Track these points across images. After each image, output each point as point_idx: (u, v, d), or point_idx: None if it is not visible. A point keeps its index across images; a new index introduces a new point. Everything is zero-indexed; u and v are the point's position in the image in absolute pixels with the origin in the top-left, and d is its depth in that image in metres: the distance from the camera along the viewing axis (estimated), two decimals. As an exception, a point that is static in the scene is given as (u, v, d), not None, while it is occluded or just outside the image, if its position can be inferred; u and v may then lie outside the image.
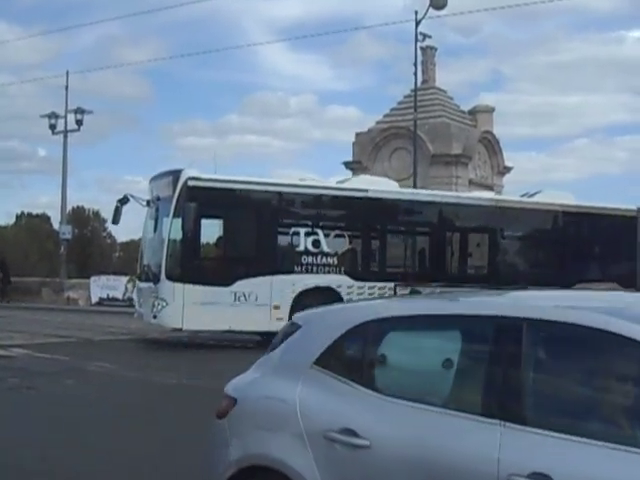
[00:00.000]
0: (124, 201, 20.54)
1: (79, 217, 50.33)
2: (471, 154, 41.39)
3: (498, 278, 21.69)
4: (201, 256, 19.67)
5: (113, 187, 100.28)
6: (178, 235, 18.68)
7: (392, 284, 20.31)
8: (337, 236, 20.31)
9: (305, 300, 19.38)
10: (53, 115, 42.38)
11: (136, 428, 9.74)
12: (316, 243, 19.83)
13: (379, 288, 20.14)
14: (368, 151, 42.35)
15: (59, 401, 11.63)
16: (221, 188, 19.22)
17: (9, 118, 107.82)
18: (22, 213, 60.16)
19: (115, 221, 20.84)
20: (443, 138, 40.55)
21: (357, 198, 20.57)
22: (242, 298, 18.87)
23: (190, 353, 18.91)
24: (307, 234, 19.82)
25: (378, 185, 21.62)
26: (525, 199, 23.81)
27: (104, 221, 57.72)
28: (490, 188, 41.22)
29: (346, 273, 20.10)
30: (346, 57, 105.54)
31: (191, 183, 18.63)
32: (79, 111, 41.77)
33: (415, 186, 32.53)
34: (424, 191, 22.51)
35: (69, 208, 47.95)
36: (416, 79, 35.70)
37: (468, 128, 42.24)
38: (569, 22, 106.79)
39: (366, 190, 20.63)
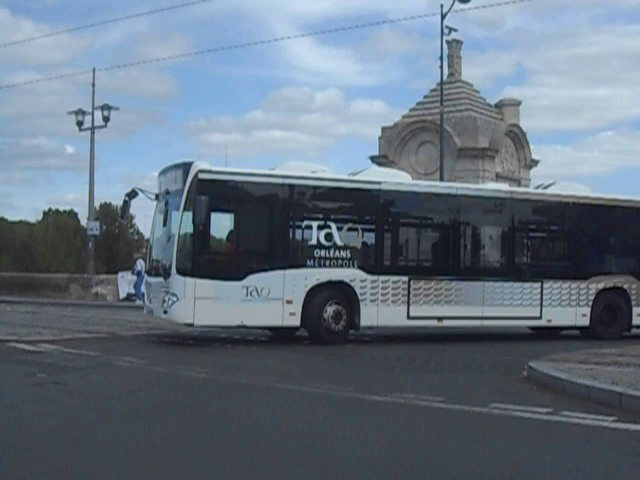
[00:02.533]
0: (132, 195, 20.35)
1: (106, 213, 50.51)
2: (498, 147, 41.30)
3: (513, 271, 21.45)
4: (212, 250, 19.32)
5: (140, 183, 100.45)
6: (189, 229, 18.40)
7: (406, 277, 20.02)
8: (350, 229, 20.00)
9: (318, 294, 19.21)
10: (80, 112, 42.99)
11: (165, 422, 9.68)
12: (329, 236, 19.53)
13: (393, 282, 19.87)
14: (394, 145, 42.48)
15: (87, 396, 11.55)
16: (232, 181, 18.97)
17: (36, 115, 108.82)
18: (49, 210, 60.44)
19: (123, 215, 20.69)
20: (470, 131, 40.60)
21: (370, 190, 20.29)
22: (254, 293, 18.59)
23: (216, 348, 18.68)
24: (320, 227, 19.52)
25: (391, 177, 21.24)
26: (540, 191, 23.38)
27: (132, 217, 58.09)
28: (517, 181, 41.32)
29: (359, 267, 19.78)
30: (371, 52, 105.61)
31: (202, 176, 18.37)
32: (106, 108, 42.24)
33: (442, 180, 32.24)
34: (438, 183, 22.13)
35: (96, 204, 48.21)
36: (442, 73, 35.55)
37: (495, 121, 42.19)
38: (595, 15, 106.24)
39: (379, 182, 20.32)
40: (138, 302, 37.60)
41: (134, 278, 37.77)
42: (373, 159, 43.05)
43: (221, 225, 19.40)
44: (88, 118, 43.00)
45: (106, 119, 42.37)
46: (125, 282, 39.85)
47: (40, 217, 58.99)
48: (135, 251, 47.86)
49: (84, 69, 69.75)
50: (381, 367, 15.83)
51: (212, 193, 18.26)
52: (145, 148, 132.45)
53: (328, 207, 20.00)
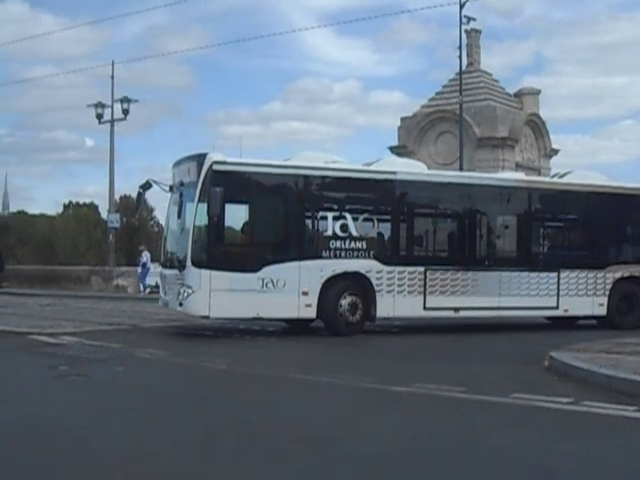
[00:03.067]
0: (146, 187, 20.31)
1: (127, 206, 50.55)
2: (517, 137, 41.23)
3: (529, 261, 21.30)
4: (227, 242, 19.24)
5: (160, 175, 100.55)
6: (204, 221, 18.30)
7: (422, 268, 19.90)
8: (365, 220, 19.87)
9: (334, 286, 19.11)
10: (100, 105, 43.17)
11: (187, 413, 9.74)
12: (344, 227, 19.43)
13: (409, 272, 19.76)
14: (414, 135, 42.50)
15: (109, 388, 11.70)
16: (247, 172, 18.90)
17: (56, 109, 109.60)
18: (70, 202, 60.64)
19: (138, 207, 20.64)
20: (489, 121, 40.49)
21: (385, 180, 20.13)
22: (270, 284, 18.51)
23: (236, 340, 18.72)
24: (335, 218, 19.42)
25: (406, 167, 21.08)
26: (556, 180, 23.21)
27: (152, 210, 58.05)
28: (537, 171, 41.12)
29: (375, 258, 19.67)
30: (390, 42, 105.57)
31: (216, 167, 18.29)
32: (125, 100, 42.42)
33: (461, 169, 32.05)
34: (453, 172, 21.94)
35: (117, 197, 48.28)
36: (461, 62, 35.57)
37: (514, 111, 42.03)
38: (613, 2, 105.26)
39: (394, 172, 20.17)
40: (140, 294, 37.86)
41: (154, 270, 37.84)
42: (392, 149, 42.94)
43: (236, 216, 19.30)
44: (107, 111, 43.12)
45: (125, 112, 42.50)
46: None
47: (61, 210, 59.33)
48: (149, 243, 47.74)
49: (103, 62, 69.99)
50: (401, 357, 15.80)
51: (227, 184, 18.17)
52: (164, 140, 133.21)
53: (343, 198, 19.88)
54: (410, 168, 21.11)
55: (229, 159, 18.68)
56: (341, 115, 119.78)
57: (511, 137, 40.89)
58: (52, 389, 11.31)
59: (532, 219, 22.11)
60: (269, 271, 18.54)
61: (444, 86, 43.45)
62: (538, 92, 44.89)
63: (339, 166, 20.13)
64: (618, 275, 22.16)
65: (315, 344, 18.26)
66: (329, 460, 7.51)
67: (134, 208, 20.24)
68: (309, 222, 19.63)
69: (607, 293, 22.01)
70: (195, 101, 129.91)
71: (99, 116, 43.11)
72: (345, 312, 19.23)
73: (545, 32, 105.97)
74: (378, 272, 19.56)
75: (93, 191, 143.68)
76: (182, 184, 19.25)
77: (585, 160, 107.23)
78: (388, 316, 19.94)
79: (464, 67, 37.52)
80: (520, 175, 23.61)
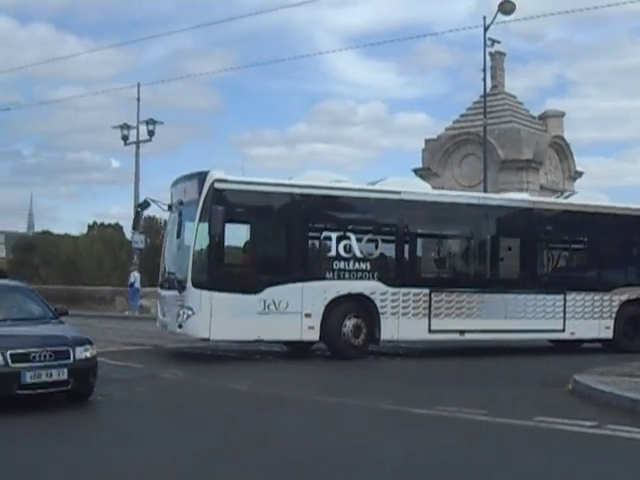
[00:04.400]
0: (145, 206, 20.02)
1: (151, 226, 50.41)
2: (542, 159, 40.86)
3: (535, 283, 20.83)
4: (229, 262, 18.92)
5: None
6: (205, 241, 17.95)
7: (427, 290, 19.46)
8: (370, 240, 19.50)
9: (337, 308, 18.71)
10: (125, 126, 43.07)
11: (211, 433, 10.07)
12: (348, 248, 19.08)
13: (414, 294, 19.34)
14: (438, 158, 42.25)
15: (133, 408, 12.19)
16: (249, 191, 18.56)
17: (81, 130, 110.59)
18: (94, 223, 60.60)
19: (135, 226, 20.30)
20: (513, 143, 40.13)
21: (390, 200, 19.73)
22: (272, 306, 18.14)
23: (256, 361, 18.78)
24: (339, 238, 19.07)
25: (410, 187, 20.62)
26: (563, 201, 22.71)
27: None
28: (561, 193, 40.16)
29: (379, 279, 19.28)
30: (414, 64, 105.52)
31: (218, 185, 17.97)
32: (150, 122, 42.27)
33: (485, 192, 31.61)
34: (459, 193, 21.48)
35: (142, 218, 48.00)
36: (485, 84, 35.23)
37: (538, 133, 41.65)
38: (635, 26, 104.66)
39: (399, 192, 19.77)
40: (127, 312, 37.63)
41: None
42: (416, 172, 42.58)
43: (238, 236, 19.02)
44: (133, 132, 43.04)
45: (151, 133, 42.39)
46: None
47: (85, 230, 59.34)
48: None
49: (129, 84, 70.37)
50: (416, 380, 15.75)
51: (229, 203, 17.92)
52: (189, 161, 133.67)
53: (347, 218, 19.58)
54: (414, 188, 20.64)
55: (231, 177, 18.38)
56: (366, 137, 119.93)
57: (535, 159, 40.44)
58: (76, 410, 11.85)
59: (538, 240, 21.71)
60: (271, 292, 18.17)
61: (468, 108, 43.13)
62: (562, 114, 44.44)
63: (343, 185, 19.74)
64: (625, 298, 21.68)
65: (326, 367, 18.20)
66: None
67: (132, 227, 19.72)
68: (312, 242, 19.37)
69: (613, 316, 21.51)
70: (220, 123, 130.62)
71: (124, 137, 43.07)
72: (349, 335, 18.83)
73: (568, 55, 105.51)
74: (382, 294, 19.15)
75: (118, 212, 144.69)
76: (181, 203, 18.95)
77: (609, 182, 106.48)
78: (392, 339, 19.50)
79: (488, 89, 37.25)
80: (525, 195, 23.10)
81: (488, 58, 36.20)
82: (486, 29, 33.24)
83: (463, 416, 11.06)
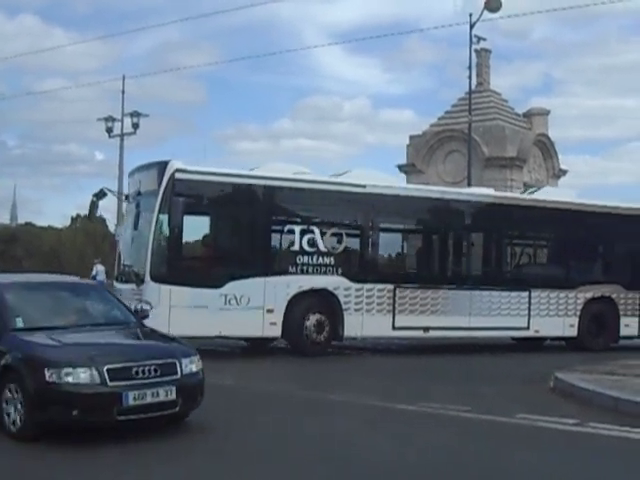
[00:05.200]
0: (100, 195, 19.53)
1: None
2: (526, 157, 40.94)
3: (501, 280, 20.42)
4: (189, 256, 18.42)
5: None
6: (164, 232, 17.30)
7: (392, 286, 19.02)
8: (334, 234, 19.01)
9: (300, 303, 18.24)
10: (110, 119, 42.60)
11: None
12: (312, 242, 18.60)
13: (378, 290, 18.94)
14: (422, 154, 42.23)
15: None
16: (211, 181, 17.91)
17: (66, 122, 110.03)
18: (77, 215, 59.89)
19: (90, 216, 19.74)
20: (498, 141, 40.20)
21: (354, 193, 19.22)
22: (233, 301, 17.59)
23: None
24: (302, 232, 18.59)
25: (375, 180, 20.03)
26: (527, 196, 22.36)
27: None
28: (526, 189, 40.08)
29: (343, 274, 18.82)
30: (400, 61, 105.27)
31: (179, 175, 17.32)
32: (135, 115, 41.83)
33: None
34: (425, 187, 20.96)
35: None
36: (470, 82, 35.20)
37: (523, 131, 41.77)
38: (624, 24, 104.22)
39: (364, 185, 19.26)
40: None
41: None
42: (401, 168, 42.77)
43: (199, 229, 18.45)
44: (118, 125, 42.56)
45: (135, 126, 41.79)
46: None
47: (68, 223, 58.83)
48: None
49: (114, 76, 69.97)
50: (397, 377, 15.58)
51: (189, 194, 17.34)
52: (174, 155, 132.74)
53: (311, 211, 19.10)
54: (379, 181, 20.07)
55: (192, 167, 17.75)
56: (351, 133, 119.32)
57: (519, 157, 40.42)
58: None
59: (503, 236, 21.48)
60: (233, 287, 17.61)
61: (453, 105, 42.98)
62: (547, 112, 44.38)
63: (306, 177, 19.24)
64: (589, 295, 21.51)
65: (296, 363, 17.78)
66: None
67: (87, 217, 19.16)
68: (275, 236, 18.76)
69: (578, 313, 21.33)
70: (205, 116, 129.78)
71: (109, 130, 42.51)
72: (311, 331, 18.37)
73: (555, 53, 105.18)
74: (346, 289, 18.71)
75: (102, 205, 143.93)
76: (139, 193, 18.26)
77: (595, 181, 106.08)
78: (356, 336, 19.07)
79: (474, 87, 37.24)
80: (489, 190, 22.62)
81: (474, 55, 36.18)
82: (472, 26, 33.03)
83: (447, 412, 11.14)
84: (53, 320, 10.29)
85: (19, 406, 9.03)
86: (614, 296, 21.78)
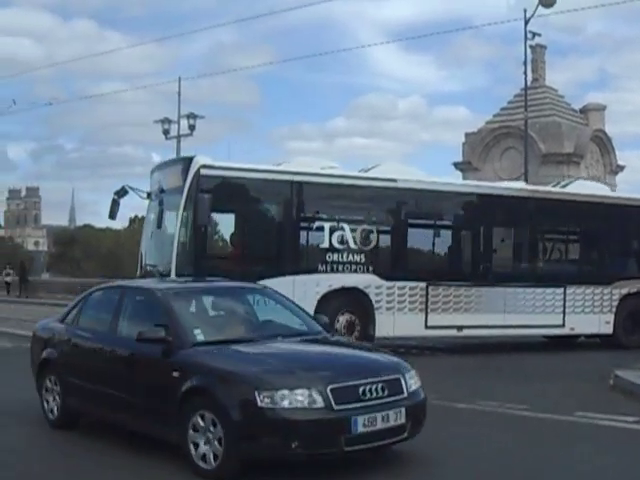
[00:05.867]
0: (122, 194, 18.88)
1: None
2: (583, 153, 40.20)
3: (534, 276, 19.57)
4: (215, 255, 17.72)
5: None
6: (189, 231, 16.73)
7: (424, 284, 18.33)
8: (364, 231, 18.38)
9: (330, 302, 17.63)
10: (166, 120, 42.87)
11: None
12: (342, 239, 18.01)
13: (410, 288, 18.26)
14: (478, 151, 41.64)
15: None
16: (237, 177, 17.31)
17: (123, 124, 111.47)
18: (135, 217, 60.04)
19: (111, 215, 19.26)
20: (554, 137, 39.51)
21: (385, 188, 18.57)
22: None
23: None
24: (332, 229, 17.98)
25: (407, 174, 19.32)
26: (561, 190, 21.43)
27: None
28: (558, 182, 39.45)
29: (374, 272, 18.22)
30: (454, 58, 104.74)
31: (204, 172, 16.75)
32: (191, 116, 42.07)
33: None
34: (459, 181, 20.14)
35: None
36: (526, 78, 34.88)
37: (580, 127, 41.10)
38: None
39: (395, 180, 18.58)
40: None
41: None
42: (456, 165, 42.42)
43: (225, 227, 18.03)
44: (174, 127, 42.86)
45: (192, 127, 42.04)
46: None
47: (126, 224, 58.87)
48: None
49: (170, 79, 70.94)
50: (457, 376, 15.36)
51: (215, 191, 16.70)
52: (230, 156, 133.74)
53: (341, 207, 18.47)
54: (410, 175, 19.38)
55: (217, 163, 17.23)
56: (405, 131, 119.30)
57: (577, 153, 39.75)
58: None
59: (537, 231, 20.78)
60: None
61: (509, 102, 42.52)
62: (604, 108, 43.84)
63: (335, 172, 18.63)
64: (625, 291, 20.78)
65: None
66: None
67: (108, 216, 18.64)
68: (304, 233, 18.17)
69: (614, 310, 20.60)
70: (260, 117, 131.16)
71: (166, 132, 42.71)
72: (342, 331, 17.69)
73: (609, 48, 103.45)
74: (377, 287, 18.12)
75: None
76: (163, 190, 17.67)
77: None
78: (387, 335, 18.34)
79: (529, 83, 36.86)
80: (522, 184, 21.78)
81: (529, 51, 35.91)
82: (527, 22, 32.76)
83: (505, 411, 11.20)
84: (232, 331, 9.03)
85: (213, 438, 7.61)
86: None
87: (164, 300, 9.02)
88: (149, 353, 8.51)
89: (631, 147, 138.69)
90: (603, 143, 42.28)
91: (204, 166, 16.86)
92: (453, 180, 20.17)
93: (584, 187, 21.54)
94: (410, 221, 19.25)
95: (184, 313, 8.90)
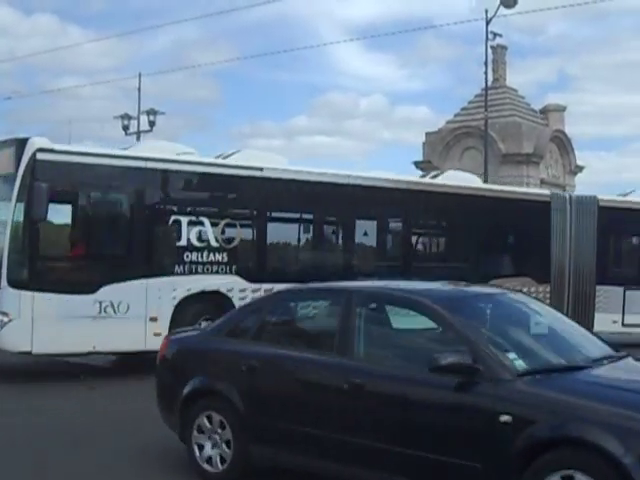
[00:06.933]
0: None
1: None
2: (542, 153, 41.33)
3: (402, 273, 17.89)
4: (55, 255, 15.10)
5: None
6: (23, 227, 14.19)
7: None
8: (227, 226, 16.33)
9: (189, 309, 15.55)
10: (126, 116, 43.20)
11: None
12: (201, 236, 15.90)
13: (278, 291, 16.39)
14: (439, 151, 42.38)
15: None
16: (82, 163, 14.71)
17: (83, 120, 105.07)
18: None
19: None
20: (514, 137, 40.63)
21: (250, 178, 16.61)
22: (109, 309, 14.69)
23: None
24: (190, 224, 15.80)
25: (271, 162, 17.47)
26: (431, 180, 20.54)
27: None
28: (562, 188, 41.33)
29: (238, 273, 16.24)
30: (416, 57, 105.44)
31: (41, 156, 14.16)
32: (151, 112, 42.37)
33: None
34: (330, 171, 18.46)
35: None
36: (487, 78, 35.72)
37: (539, 127, 42.29)
38: (638, 21, 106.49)
39: (261, 168, 16.69)
40: None
41: None
42: (417, 164, 42.68)
43: (67, 222, 15.45)
44: (134, 123, 43.14)
45: (152, 124, 42.17)
46: None
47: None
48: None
49: (130, 74, 68.18)
50: None
51: (55, 179, 14.26)
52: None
53: (200, 199, 16.36)
54: (276, 163, 17.52)
55: (58, 146, 14.63)
56: (367, 130, 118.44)
57: (536, 153, 40.64)
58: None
59: (411, 226, 19.61)
60: (109, 292, 14.71)
61: (469, 102, 43.20)
62: (563, 109, 44.85)
63: (193, 159, 16.51)
64: None
65: None
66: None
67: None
68: (158, 229, 15.94)
69: None
70: (222, 114, 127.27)
71: (125, 128, 43.01)
72: (203, 341, 15.60)
73: (569, 49, 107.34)
74: (241, 291, 16.11)
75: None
76: None
77: (611, 177, 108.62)
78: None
79: (490, 83, 37.47)
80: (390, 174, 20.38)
81: (490, 52, 36.93)
82: (488, 22, 33.43)
83: None
84: (543, 353, 6.98)
85: None
86: None
87: (444, 312, 6.90)
88: (438, 385, 6.44)
89: (590, 148, 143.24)
90: (563, 144, 43.53)
91: (41, 149, 14.23)
92: (325, 170, 18.24)
93: (453, 178, 20.48)
94: (278, 215, 17.42)
95: (480, 330, 6.87)
